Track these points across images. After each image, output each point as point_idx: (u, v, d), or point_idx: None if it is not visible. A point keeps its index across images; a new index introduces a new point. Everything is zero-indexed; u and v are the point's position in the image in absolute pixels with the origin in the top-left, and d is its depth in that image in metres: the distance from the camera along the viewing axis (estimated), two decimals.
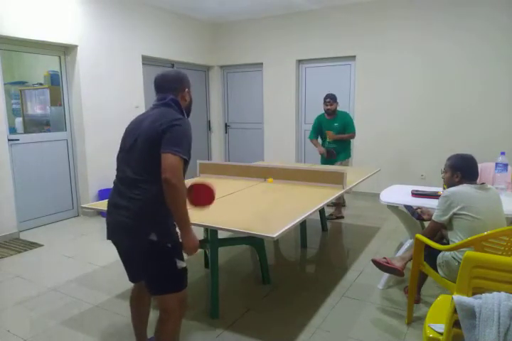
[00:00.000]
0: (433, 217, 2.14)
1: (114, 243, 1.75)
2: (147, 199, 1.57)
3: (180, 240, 1.60)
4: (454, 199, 2.03)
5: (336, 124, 4.39)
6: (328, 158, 4.44)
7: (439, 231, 2.23)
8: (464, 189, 2.06)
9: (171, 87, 1.70)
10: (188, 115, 1.77)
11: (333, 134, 4.38)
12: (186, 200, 1.57)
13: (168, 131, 1.53)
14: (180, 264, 1.63)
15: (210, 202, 1.76)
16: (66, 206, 4.54)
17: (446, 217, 2.06)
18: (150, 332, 2.20)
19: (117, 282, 2.83)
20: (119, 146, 1.74)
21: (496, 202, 2.09)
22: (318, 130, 4.52)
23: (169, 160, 1.49)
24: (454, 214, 2.03)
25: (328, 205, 4.71)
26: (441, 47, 4.80)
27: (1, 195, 3.72)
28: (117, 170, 1.71)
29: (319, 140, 4.58)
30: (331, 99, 4.34)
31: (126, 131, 1.73)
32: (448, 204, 2.05)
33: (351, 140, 4.53)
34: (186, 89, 1.74)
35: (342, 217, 4.50)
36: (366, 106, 5.22)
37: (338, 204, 4.52)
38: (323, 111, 4.48)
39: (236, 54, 6.25)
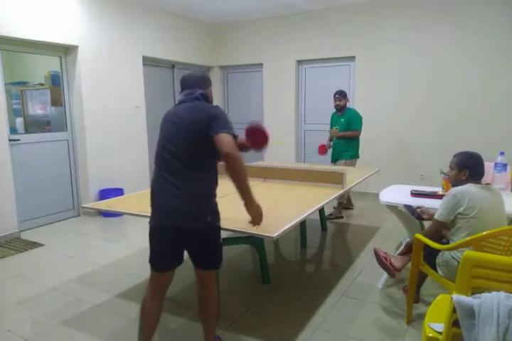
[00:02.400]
0: (436, 217, 2.10)
1: (165, 229, 1.77)
2: (199, 184, 1.72)
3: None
4: (461, 198, 2.00)
5: (342, 120, 4.44)
6: (320, 153, 4.52)
7: (440, 231, 2.21)
8: (470, 189, 2.04)
9: (198, 84, 1.88)
10: None
11: (336, 131, 4.44)
12: (246, 169, 1.71)
13: (214, 118, 1.69)
14: (220, 240, 1.88)
15: (265, 143, 2.05)
16: (67, 206, 4.54)
17: (451, 217, 2.04)
18: None
19: (118, 282, 2.84)
20: (159, 138, 1.83)
21: (499, 203, 2.09)
22: (331, 125, 4.64)
23: (225, 138, 1.65)
24: (459, 213, 2.01)
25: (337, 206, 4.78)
26: (441, 47, 4.81)
27: (1, 195, 3.73)
28: (161, 160, 1.78)
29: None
30: (339, 95, 4.41)
31: (165, 123, 1.84)
32: (454, 203, 2.02)
33: (359, 139, 4.51)
34: (210, 88, 1.94)
35: (341, 217, 4.51)
36: (366, 107, 5.22)
37: (340, 204, 4.52)
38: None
39: (236, 54, 6.26)
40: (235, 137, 1.69)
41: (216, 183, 1.82)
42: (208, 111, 1.73)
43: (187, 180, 1.70)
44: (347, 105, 4.49)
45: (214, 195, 1.80)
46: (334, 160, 4.61)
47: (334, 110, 4.60)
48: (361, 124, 4.44)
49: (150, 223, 1.81)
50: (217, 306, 1.95)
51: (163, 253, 1.83)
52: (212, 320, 1.95)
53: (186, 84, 1.90)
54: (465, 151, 2.22)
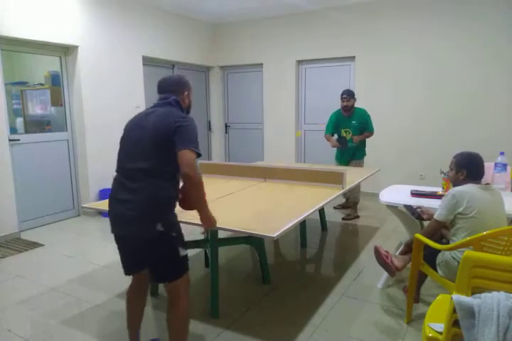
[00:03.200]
0: (435, 216, 2.11)
1: (118, 236, 1.79)
2: (153, 191, 1.64)
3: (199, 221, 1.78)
4: (460, 198, 2.00)
5: (354, 122, 4.26)
6: (342, 148, 4.32)
7: (439, 231, 2.22)
8: (470, 189, 2.04)
9: (173, 89, 1.83)
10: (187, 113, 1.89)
11: (357, 137, 4.25)
12: (204, 188, 1.69)
13: (181, 129, 1.64)
14: (183, 252, 1.74)
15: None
16: (67, 206, 4.55)
17: (451, 217, 2.04)
18: (148, 335, 2.21)
19: (117, 282, 2.84)
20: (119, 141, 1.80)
21: (499, 203, 2.09)
22: (336, 126, 4.38)
23: (188, 156, 1.61)
24: (458, 213, 2.01)
25: (344, 206, 4.78)
26: (441, 47, 4.81)
27: (2, 195, 3.73)
28: (119, 164, 1.76)
29: (335, 136, 4.45)
30: (347, 95, 4.19)
31: (128, 126, 1.80)
32: (454, 203, 2.02)
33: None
34: (186, 92, 1.87)
35: (358, 217, 4.47)
36: (366, 107, 5.20)
37: (355, 203, 4.48)
38: (338, 108, 4.38)
39: (236, 54, 6.26)
40: (197, 154, 1.64)
41: (175, 193, 1.75)
42: (176, 121, 1.66)
43: (140, 187, 1.64)
44: (354, 106, 4.30)
45: (169, 205, 1.71)
46: (347, 161, 4.43)
47: (334, 110, 4.46)
48: (373, 124, 4.36)
49: None
50: (184, 329, 1.79)
51: (122, 258, 1.86)
52: None
53: (162, 88, 1.86)
54: (464, 151, 2.21)
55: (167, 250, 1.70)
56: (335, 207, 4.85)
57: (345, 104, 4.23)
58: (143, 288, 1.96)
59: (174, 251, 1.71)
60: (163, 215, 1.68)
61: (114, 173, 1.79)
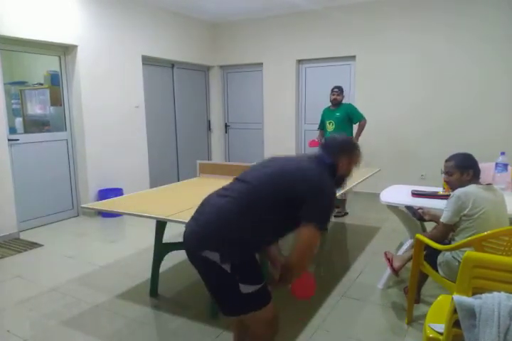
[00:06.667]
0: (442, 220, 2.07)
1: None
2: (237, 240, 1.44)
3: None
4: (466, 199, 1.99)
5: (337, 114, 4.41)
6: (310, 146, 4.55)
7: (448, 235, 2.15)
8: (473, 189, 2.03)
9: (335, 151, 1.59)
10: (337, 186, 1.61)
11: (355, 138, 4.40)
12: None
13: (321, 196, 1.42)
14: (246, 289, 1.44)
15: (311, 294, 1.69)
16: (66, 206, 4.54)
17: (457, 218, 2.02)
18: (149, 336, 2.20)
19: (117, 282, 2.83)
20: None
21: (501, 203, 2.08)
22: (322, 121, 4.62)
23: (310, 233, 1.40)
24: (464, 215, 2.00)
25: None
26: (441, 47, 4.80)
27: (1, 195, 3.72)
28: (220, 193, 1.57)
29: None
30: (338, 89, 4.41)
31: (258, 164, 1.62)
32: (459, 204, 2.00)
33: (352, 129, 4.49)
34: (347, 160, 1.60)
35: (347, 214, 4.60)
36: (366, 106, 5.20)
37: (344, 200, 4.58)
38: (329, 104, 4.54)
39: (236, 54, 6.25)
40: (321, 230, 1.42)
41: (261, 242, 1.54)
42: (322, 185, 1.43)
43: (226, 226, 1.44)
44: (342, 101, 4.47)
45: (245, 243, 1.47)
46: None
47: (327, 108, 4.61)
48: (362, 113, 4.42)
49: None
50: None
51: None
52: None
53: (325, 146, 1.63)
54: (459, 153, 2.19)
55: (220, 282, 1.49)
56: (338, 207, 4.86)
57: (334, 97, 4.41)
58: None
59: (231, 286, 1.46)
60: (226, 245, 1.45)
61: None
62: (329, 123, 4.49)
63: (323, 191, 1.44)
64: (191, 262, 1.54)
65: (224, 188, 1.60)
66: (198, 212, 1.57)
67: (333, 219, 4.45)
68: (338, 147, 1.60)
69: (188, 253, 1.52)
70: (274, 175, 1.49)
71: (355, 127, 4.50)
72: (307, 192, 1.41)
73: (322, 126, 4.65)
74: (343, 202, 4.58)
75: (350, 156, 1.60)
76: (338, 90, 4.40)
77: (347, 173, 1.62)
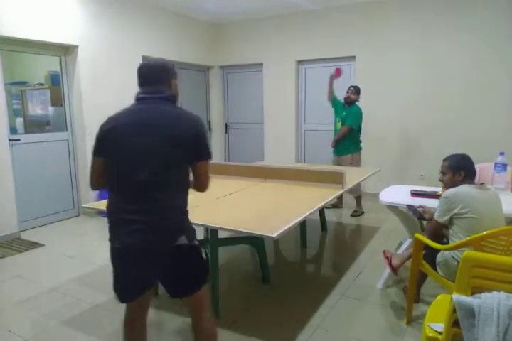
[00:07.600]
0: (435, 216, 2.15)
1: (126, 251, 1.61)
2: (171, 204, 1.47)
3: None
4: (455, 200, 2.03)
5: (344, 113, 4.43)
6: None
7: (441, 230, 2.23)
8: (464, 189, 2.06)
9: (161, 80, 1.58)
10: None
11: (333, 140, 4.51)
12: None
13: (202, 137, 1.49)
14: (203, 253, 1.60)
15: None
16: (67, 206, 4.54)
17: (447, 218, 2.07)
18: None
19: None
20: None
21: (495, 202, 2.10)
22: (335, 109, 4.59)
23: (206, 167, 1.53)
24: (455, 214, 2.03)
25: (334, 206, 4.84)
26: (441, 47, 4.81)
27: (2, 195, 3.73)
28: (124, 174, 1.50)
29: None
30: (354, 88, 4.43)
31: (127, 131, 1.54)
32: (448, 205, 2.05)
33: (356, 134, 4.47)
34: (174, 81, 1.60)
35: (363, 213, 4.63)
36: (366, 107, 5.21)
37: (359, 197, 4.60)
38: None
39: (236, 54, 6.26)
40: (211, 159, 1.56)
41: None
42: (195, 126, 1.47)
43: (156, 198, 1.45)
44: (355, 102, 4.44)
45: (186, 214, 1.57)
46: (338, 154, 4.56)
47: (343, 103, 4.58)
48: (356, 123, 4.38)
49: None
50: None
51: (130, 279, 1.68)
52: None
53: (146, 77, 1.61)
54: (454, 154, 2.25)
55: (194, 259, 1.57)
56: (326, 207, 4.84)
57: (348, 95, 4.42)
58: (143, 315, 1.66)
59: (200, 257, 1.60)
60: (186, 226, 1.55)
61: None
62: (338, 121, 4.52)
63: (201, 129, 1.50)
64: (145, 259, 1.51)
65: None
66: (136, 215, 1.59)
67: (334, 219, 4.46)
68: (163, 73, 1.60)
69: (154, 254, 1.49)
70: (162, 142, 1.45)
71: (363, 132, 4.54)
72: (195, 140, 1.46)
73: (333, 104, 4.64)
74: (358, 200, 4.60)
75: (175, 77, 1.62)
76: (353, 89, 4.41)
77: (178, 91, 1.64)
